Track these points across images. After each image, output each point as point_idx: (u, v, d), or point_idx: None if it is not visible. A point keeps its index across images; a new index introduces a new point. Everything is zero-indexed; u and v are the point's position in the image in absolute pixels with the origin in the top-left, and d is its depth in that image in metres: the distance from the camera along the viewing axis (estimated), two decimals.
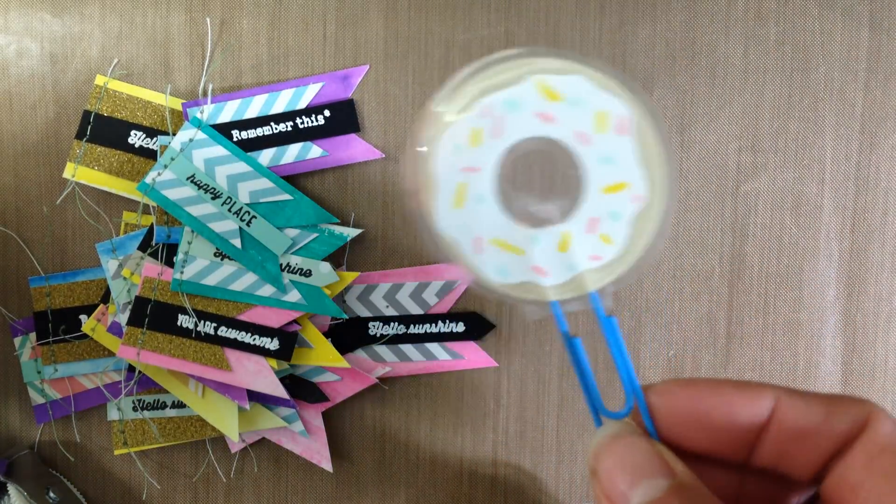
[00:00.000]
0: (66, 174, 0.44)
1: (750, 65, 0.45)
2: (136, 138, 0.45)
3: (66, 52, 0.45)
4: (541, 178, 0.25)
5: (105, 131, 0.44)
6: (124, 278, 0.44)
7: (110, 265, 0.44)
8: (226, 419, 0.45)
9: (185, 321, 0.44)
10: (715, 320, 0.47)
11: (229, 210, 0.44)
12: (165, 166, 0.43)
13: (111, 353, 0.45)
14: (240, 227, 0.44)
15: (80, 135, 0.44)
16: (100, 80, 0.45)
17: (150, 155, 0.44)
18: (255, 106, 0.44)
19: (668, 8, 0.45)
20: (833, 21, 0.45)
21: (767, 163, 0.46)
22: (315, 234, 0.44)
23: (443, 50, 0.45)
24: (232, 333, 0.44)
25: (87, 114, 0.44)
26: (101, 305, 0.45)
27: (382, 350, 0.46)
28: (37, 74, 0.45)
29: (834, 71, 0.45)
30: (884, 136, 0.46)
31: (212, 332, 0.44)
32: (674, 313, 0.47)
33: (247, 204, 0.44)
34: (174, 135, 0.44)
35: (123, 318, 0.44)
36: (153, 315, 0.44)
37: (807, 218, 0.46)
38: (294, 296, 0.44)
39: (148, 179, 0.43)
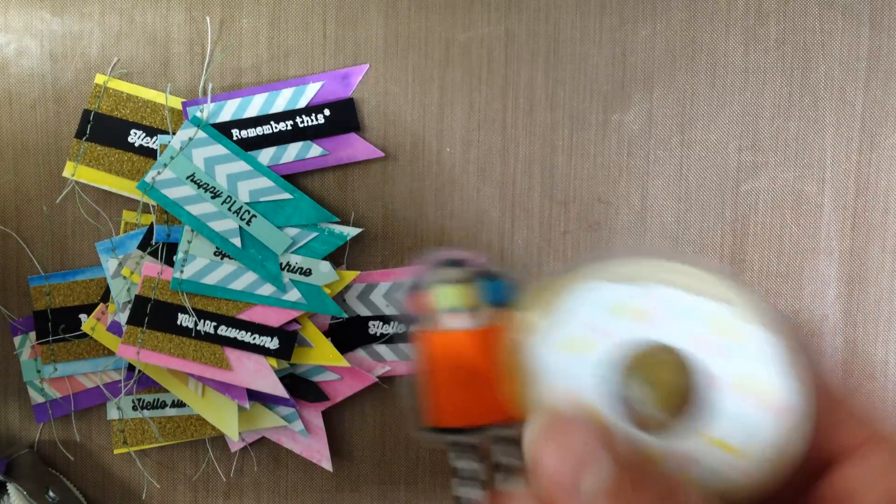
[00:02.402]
0: (66, 173, 0.44)
1: (750, 64, 0.45)
2: (135, 137, 0.44)
3: (66, 51, 0.45)
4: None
5: (105, 130, 0.44)
6: (124, 277, 0.44)
7: (110, 264, 0.44)
8: (226, 418, 0.45)
9: (184, 320, 0.44)
10: None
11: (229, 209, 0.43)
12: (165, 165, 0.43)
13: (111, 353, 0.45)
14: (240, 226, 0.43)
15: (79, 134, 0.44)
16: (100, 78, 0.45)
17: (150, 154, 0.44)
18: (255, 105, 0.44)
19: (668, 7, 0.45)
20: (833, 20, 0.45)
21: (767, 162, 0.46)
22: (315, 234, 0.44)
23: (443, 49, 0.45)
24: (232, 332, 0.44)
25: (86, 113, 0.44)
26: (101, 304, 0.45)
27: (382, 349, 0.46)
28: (36, 73, 0.45)
29: (834, 70, 0.45)
30: (884, 135, 0.45)
31: (212, 331, 0.44)
32: None
33: (247, 203, 0.44)
34: (174, 134, 0.44)
35: (123, 318, 0.44)
36: (153, 314, 0.44)
37: (807, 217, 0.46)
38: (294, 295, 0.44)
39: (148, 178, 0.43)
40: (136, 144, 0.45)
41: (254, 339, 0.44)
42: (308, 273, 0.44)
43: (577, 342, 0.24)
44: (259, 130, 0.44)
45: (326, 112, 0.44)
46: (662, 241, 0.46)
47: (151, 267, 0.44)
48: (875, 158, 0.46)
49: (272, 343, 0.44)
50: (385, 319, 0.46)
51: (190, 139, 0.44)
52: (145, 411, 0.46)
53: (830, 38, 0.45)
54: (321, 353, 0.45)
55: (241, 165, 0.44)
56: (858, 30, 0.45)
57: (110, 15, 0.45)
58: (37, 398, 0.46)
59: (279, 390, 0.44)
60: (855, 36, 0.45)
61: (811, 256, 0.46)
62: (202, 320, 0.44)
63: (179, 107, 0.44)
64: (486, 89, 0.45)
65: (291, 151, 0.45)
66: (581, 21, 0.45)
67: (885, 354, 0.47)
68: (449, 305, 0.27)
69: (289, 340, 0.44)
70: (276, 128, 0.44)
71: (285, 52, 0.45)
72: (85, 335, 0.45)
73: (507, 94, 0.45)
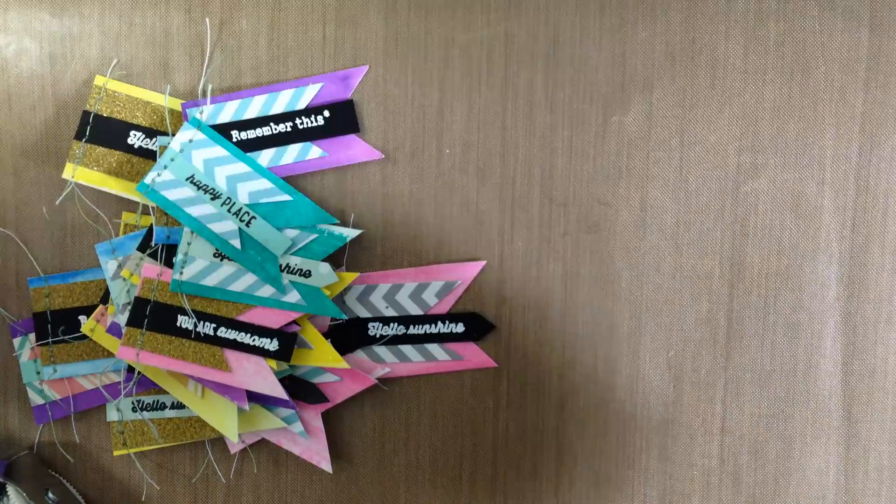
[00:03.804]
0: (66, 174, 0.44)
1: (750, 65, 0.45)
2: (135, 139, 0.44)
3: (66, 53, 0.45)
4: None
5: (104, 132, 0.44)
6: (123, 279, 0.44)
7: (109, 266, 0.44)
8: (225, 420, 0.45)
9: (184, 322, 0.44)
10: (715, 320, 0.47)
11: (229, 210, 0.43)
12: (165, 167, 0.43)
13: (111, 354, 0.45)
14: (239, 228, 0.43)
15: (79, 135, 0.44)
16: (99, 80, 0.45)
17: (150, 155, 0.44)
18: (255, 106, 0.44)
19: (668, 8, 0.45)
20: (833, 21, 0.45)
21: (767, 163, 0.46)
22: (314, 235, 0.44)
23: (442, 50, 0.45)
24: (231, 334, 0.44)
25: (86, 114, 0.44)
26: (101, 306, 0.45)
27: (382, 351, 0.46)
28: (36, 75, 0.45)
29: (834, 71, 0.45)
30: (884, 136, 0.45)
31: (211, 332, 0.44)
32: (674, 314, 0.47)
33: (246, 204, 0.44)
34: (173, 135, 0.44)
35: (123, 319, 0.44)
36: (152, 316, 0.44)
37: (807, 218, 0.46)
38: (293, 296, 0.44)
39: (147, 180, 0.43)
40: (136, 146, 0.45)
41: (253, 340, 0.44)
42: (307, 274, 0.44)
43: None
44: (258, 132, 0.44)
45: (326, 113, 0.44)
46: (663, 243, 0.46)
47: (151, 268, 0.44)
48: (875, 159, 0.46)
49: (272, 345, 0.44)
50: (385, 321, 0.46)
51: (189, 141, 0.44)
52: (145, 413, 0.46)
53: (830, 39, 0.45)
54: (321, 355, 0.45)
55: (240, 167, 0.44)
56: (858, 31, 0.45)
57: (110, 17, 0.45)
58: (36, 400, 0.46)
59: (278, 392, 0.44)
60: (854, 37, 0.45)
61: (811, 257, 0.46)
62: (202, 322, 0.44)
63: (179, 108, 0.44)
64: (485, 91, 0.45)
65: (291, 153, 0.45)
66: (581, 23, 0.45)
67: (885, 355, 0.47)
68: None
69: (288, 342, 0.44)
70: (275, 129, 0.44)
71: (285, 54, 0.45)
72: (84, 337, 0.45)
73: (506, 96, 0.45)
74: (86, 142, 0.44)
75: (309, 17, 0.44)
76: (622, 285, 0.46)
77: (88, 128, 0.44)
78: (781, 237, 0.46)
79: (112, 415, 0.46)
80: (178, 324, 0.44)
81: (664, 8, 0.45)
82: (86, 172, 0.45)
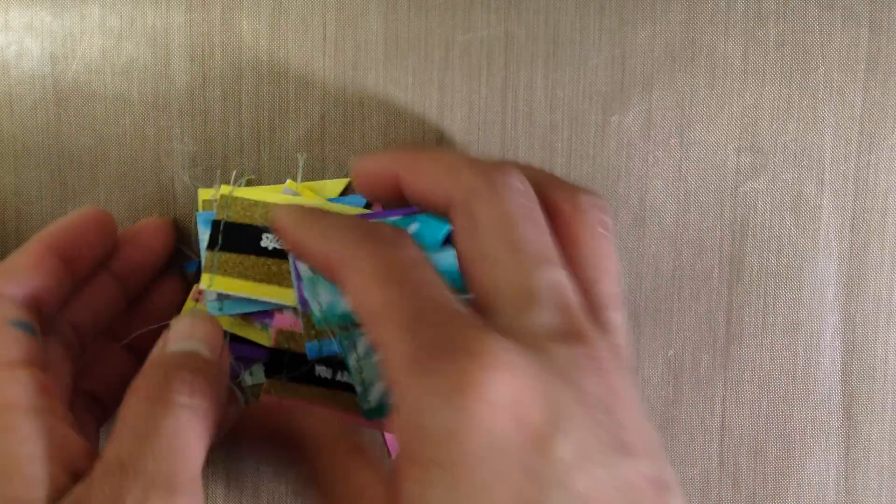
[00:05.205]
0: (203, 285, 0.43)
1: (750, 65, 0.45)
2: (268, 241, 0.44)
3: (67, 53, 0.45)
4: None
5: (236, 238, 0.44)
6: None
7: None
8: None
9: (322, 371, 0.43)
10: (714, 320, 0.47)
11: None
12: None
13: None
14: None
15: (211, 244, 0.44)
16: (224, 189, 0.44)
17: (285, 256, 0.43)
18: None
19: (668, 8, 0.45)
20: (833, 21, 0.45)
21: (767, 163, 0.46)
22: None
23: (443, 51, 0.45)
24: None
25: (216, 224, 0.44)
26: (196, 286, 0.45)
27: None
28: (37, 75, 0.45)
29: (834, 71, 0.45)
30: (883, 136, 0.46)
31: (347, 379, 0.43)
32: (673, 313, 0.47)
33: None
34: None
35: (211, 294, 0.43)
36: (290, 367, 0.44)
37: (806, 218, 0.46)
38: None
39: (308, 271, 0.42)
40: (269, 248, 0.44)
41: None
42: None
43: None
44: None
45: None
46: (662, 242, 0.46)
47: (282, 318, 0.44)
48: (874, 160, 0.46)
49: None
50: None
51: None
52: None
53: (830, 39, 0.45)
54: None
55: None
56: (858, 32, 0.45)
57: (110, 17, 0.45)
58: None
59: None
60: (854, 38, 0.45)
61: (810, 257, 0.46)
62: (339, 371, 0.43)
63: None
64: (485, 91, 0.45)
65: None
66: (580, 23, 0.45)
67: (884, 354, 0.47)
68: None
69: None
70: None
71: (285, 54, 0.45)
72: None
73: (506, 96, 0.45)
74: (219, 250, 0.44)
75: (309, 17, 0.45)
76: (622, 285, 0.46)
77: (220, 237, 0.44)
78: (781, 237, 0.46)
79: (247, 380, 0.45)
80: (316, 374, 0.44)
81: (664, 8, 0.45)
82: (222, 280, 0.44)
